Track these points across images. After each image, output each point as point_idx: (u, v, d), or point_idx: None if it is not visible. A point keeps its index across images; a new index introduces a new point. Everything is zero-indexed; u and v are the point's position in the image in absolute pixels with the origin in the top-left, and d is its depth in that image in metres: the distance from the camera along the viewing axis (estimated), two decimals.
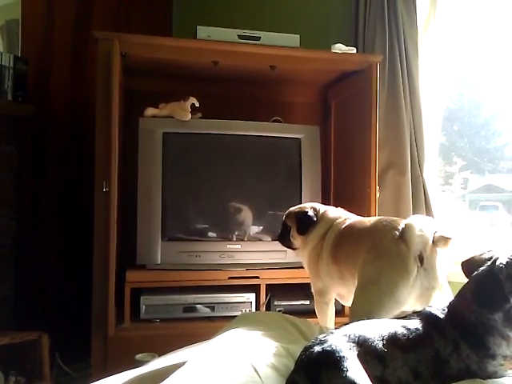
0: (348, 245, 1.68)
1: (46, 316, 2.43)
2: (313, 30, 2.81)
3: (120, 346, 2.02)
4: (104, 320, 2.01)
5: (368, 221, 1.69)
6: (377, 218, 1.72)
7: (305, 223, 1.85)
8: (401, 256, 1.44)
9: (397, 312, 1.41)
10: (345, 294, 1.75)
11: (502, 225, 2.83)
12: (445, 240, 1.46)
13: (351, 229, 1.72)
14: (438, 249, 1.48)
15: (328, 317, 1.83)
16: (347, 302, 1.75)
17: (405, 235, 1.45)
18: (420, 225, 1.47)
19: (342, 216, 1.82)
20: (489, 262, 1.13)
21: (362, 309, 1.44)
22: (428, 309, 1.17)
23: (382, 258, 1.48)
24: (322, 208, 1.89)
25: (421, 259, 1.44)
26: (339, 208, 1.90)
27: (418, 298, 1.46)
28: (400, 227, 1.50)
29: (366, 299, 1.47)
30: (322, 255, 1.77)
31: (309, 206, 1.91)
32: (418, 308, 1.43)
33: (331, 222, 1.80)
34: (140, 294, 2.20)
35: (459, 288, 1.19)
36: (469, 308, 1.10)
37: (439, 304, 1.18)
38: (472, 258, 1.21)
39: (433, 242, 1.47)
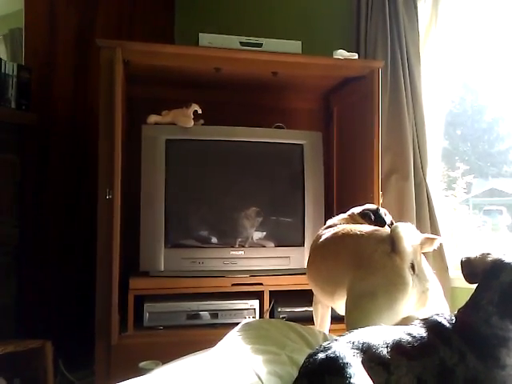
0: (323, 263, 1.69)
1: (49, 324, 2.42)
2: (315, 36, 2.82)
3: (123, 354, 2.02)
4: (107, 327, 2.01)
5: (340, 234, 1.65)
6: (347, 229, 1.65)
7: None
8: (397, 270, 1.41)
9: (396, 321, 1.39)
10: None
11: (506, 229, 2.81)
12: (431, 241, 1.49)
13: (324, 245, 1.71)
14: (424, 250, 1.49)
15: (318, 317, 1.84)
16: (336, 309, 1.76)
17: (398, 248, 1.42)
18: (408, 233, 1.44)
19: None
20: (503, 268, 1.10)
21: (360, 321, 1.39)
22: (435, 317, 1.14)
23: (377, 274, 1.43)
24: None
25: (413, 267, 1.43)
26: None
27: (415, 303, 1.45)
28: (386, 239, 1.47)
29: (362, 311, 1.43)
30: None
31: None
32: (414, 312, 1.44)
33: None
34: (143, 301, 2.20)
35: (459, 292, 1.17)
36: (487, 322, 1.07)
37: (446, 312, 1.16)
38: (471, 259, 1.20)
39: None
